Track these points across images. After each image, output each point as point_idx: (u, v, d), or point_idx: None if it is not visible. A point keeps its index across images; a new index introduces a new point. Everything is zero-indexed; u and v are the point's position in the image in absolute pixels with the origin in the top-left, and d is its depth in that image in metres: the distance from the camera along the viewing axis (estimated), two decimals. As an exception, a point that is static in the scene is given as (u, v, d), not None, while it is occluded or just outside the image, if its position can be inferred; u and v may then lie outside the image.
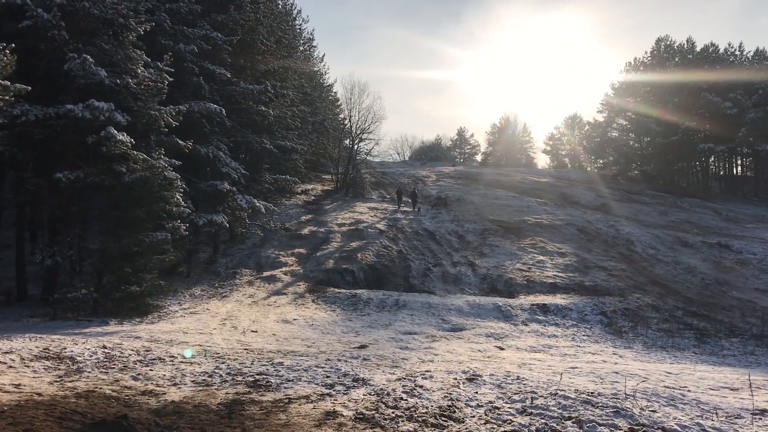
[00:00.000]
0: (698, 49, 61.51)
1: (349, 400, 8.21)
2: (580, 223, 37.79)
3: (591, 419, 7.22)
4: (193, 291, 23.29)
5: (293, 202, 43.55)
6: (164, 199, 18.72)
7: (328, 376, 9.82)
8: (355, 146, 49.15)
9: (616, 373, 10.96)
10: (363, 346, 14.25)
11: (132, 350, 11.70)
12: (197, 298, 22.34)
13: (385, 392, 8.71)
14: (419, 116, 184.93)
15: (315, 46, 59.72)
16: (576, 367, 11.47)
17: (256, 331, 16.39)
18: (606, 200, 48.30)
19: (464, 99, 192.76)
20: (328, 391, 8.76)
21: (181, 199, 19.29)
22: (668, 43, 63.00)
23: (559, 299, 22.91)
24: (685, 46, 62.18)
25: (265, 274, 26.21)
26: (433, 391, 8.93)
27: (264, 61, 29.02)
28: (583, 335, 18.44)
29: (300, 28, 54.02)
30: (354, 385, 9.22)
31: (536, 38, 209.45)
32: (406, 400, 8.30)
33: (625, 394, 8.82)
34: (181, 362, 10.79)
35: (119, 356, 10.94)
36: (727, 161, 63.22)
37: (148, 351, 11.84)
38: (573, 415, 7.42)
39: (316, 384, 9.22)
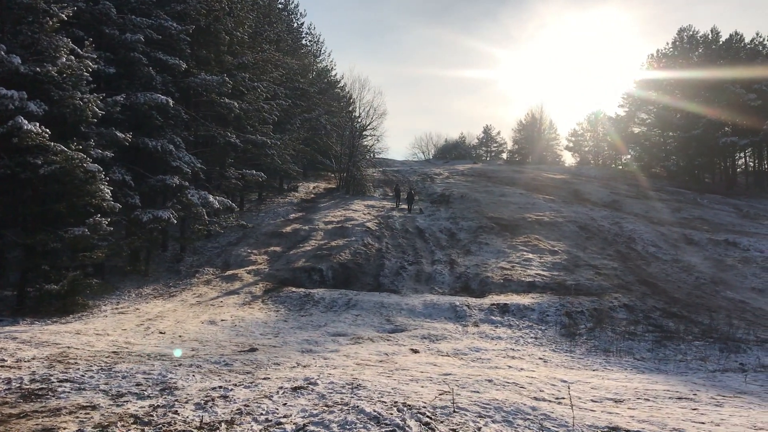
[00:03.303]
0: (723, 39, 58.42)
1: (103, 415, 7.00)
2: (584, 220, 35.92)
3: (352, 442, 5.86)
4: (142, 290, 22.38)
5: (288, 200, 42.60)
6: (89, 193, 17.75)
7: (138, 384, 8.63)
8: (355, 142, 47.84)
9: (490, 381, 9.51)
10: (253, 350, 13.01)
11: (-28, 352, 10.68)
12: (142, 297, 21.41)
13: (168, 405, 7.49)
14: (455, 116, 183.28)
15: (321, 42, 58.71)
16: (451, 374, 10.02)
17: (164, 333, 15.28)
18: (619, 197, 46.13)
19: (502, 98, 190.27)
20: (100, 402, 7.57)
21: (108, 193, 18.29)
22: (691, 33, 60.08)
23: (527, 299, 21.31)
24: (710, 36, 59.15)
25: (228, 273, 25.18)
26: (234, 402, 7.69)
27: (232, 53, 27.97)
28: (530, 337, 16.88)
29: (297, 24, 53.10)
30: (149, 395, 8.02)
31: (577, 35, 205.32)
32: (176, 414, 7.06)
33: (457, 407, 7.43)
34: (2, 366, 9.69)
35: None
36: (756, 156, 59.92)
37: (-7, 353, 10.81)
38: (341, 436, 6.06)
39: (103, 394, 8.04)
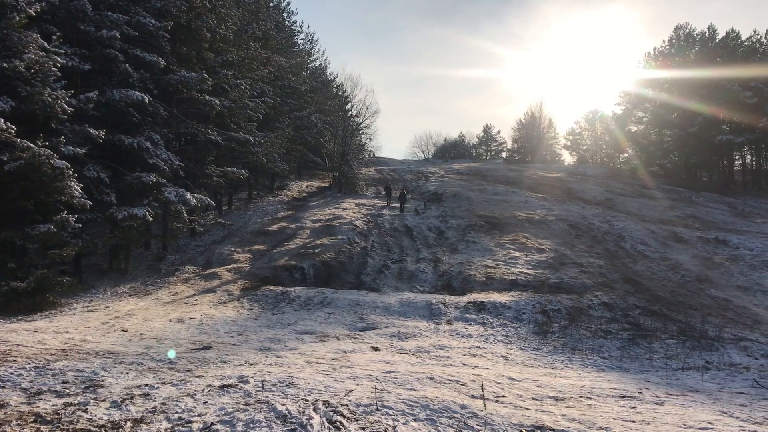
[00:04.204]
0: (719, 37, 57.98)
1: (5, 413, 6.80)
2: (574, 218, 35.61)
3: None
4: (119, 288, 22.20)
5: (278, 198, 42.43)
6: (57, 190, 17.56)
7: (65, 382, 8.43)
8: (348, 141, 47.59)
9: (432, 378, 9.29)
10: (206, 348, 12.80)
11: None
12: (117, 295, 21.21)
13: (83, 403, 7.30)
14: (459, 116, 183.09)
15: (315, 41, 58.52)
16: (394, 371, 9.79)
17: (126, 331, 15.08)
18: (613, 195, 45.84)
19: (506, 98, 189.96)
20: (11, 400, 7.35)
21: (78, 190, 18.10)
22: (688, 31, 59.68)
23: (506, 297, 21.01)
24: (707, 34, 58.71)
25: (209, 271, 24.96)
26: (153, 400, 7.54)
27: (215, 50, 27.77)
28: (501, 335, 16.62)
29: (289, 22, 52.85)
30: (69, 393, 7.81)
31: (581, 35, 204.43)
32: (85, 413, 6.86)
33: (381, 405, 7.22)
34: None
35: None
36: (753, 154, 59.46)
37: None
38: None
39: (22, 392, 7.84)
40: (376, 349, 13.91)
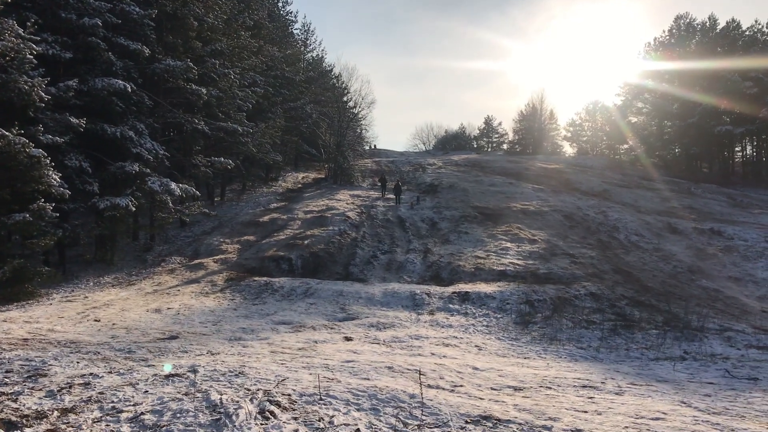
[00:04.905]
0: (720, 27, 57.36)
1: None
2: (569, 209, 35.25)
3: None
4: (102, 279, 22.02)
5: (272, 189, 42.21)
6: (34, 179, 17.34)
7: (8, 372, 8.24)
8: (343, 132, 47.25)
9: (390, 368, 9.05)
10: (173, 338, 12.60)
11: None
12: (100, 286, 21.03)
13: (17, 392, 7.11)
14: (464, 108, 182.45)
15: (312, 31, 58.09)
16: (354, 361, 9.54)
17: (99, 321, 14.88)
18: (610, 186, 45.41)
19: (512, 90, 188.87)
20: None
21: (56, 179, 17.89)
22: (688, 21, 59.07)
23: (492, 287, 20.74)
24: (707, 24, 58.10)
25: (195, 262, 24.75)
26: (92, 389, 7.35)
27: (203, 39, 27.47)
28: (482, 326, 16.36)
29: (284, 12, 52.42)
30: (7, 383, 7.62)
31: (585, 27, 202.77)
32: (14, 402, 6.65)
33: (326, 395, 6.97)
34: None
35: None
36: (755, 145, 58.94)
37: None
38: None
39: (-41, 380, 7.62)
40: (349, 339, 13.66)
